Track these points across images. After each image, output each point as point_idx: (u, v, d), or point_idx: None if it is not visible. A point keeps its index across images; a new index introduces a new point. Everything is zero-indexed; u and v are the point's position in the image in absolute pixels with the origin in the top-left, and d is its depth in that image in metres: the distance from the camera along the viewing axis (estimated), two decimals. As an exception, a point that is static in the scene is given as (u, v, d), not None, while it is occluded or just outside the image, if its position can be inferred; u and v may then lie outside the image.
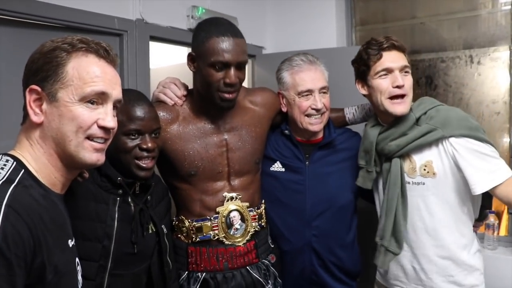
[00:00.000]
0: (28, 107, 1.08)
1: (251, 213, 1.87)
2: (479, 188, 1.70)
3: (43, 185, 1.08)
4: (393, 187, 1.82)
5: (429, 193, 1.81)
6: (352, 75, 1.98)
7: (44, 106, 1.08)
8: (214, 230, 1.81)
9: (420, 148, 1.80)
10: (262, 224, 1.93)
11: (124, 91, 1.65)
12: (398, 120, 1.83)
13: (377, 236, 1.88)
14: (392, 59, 1.80)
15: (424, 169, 1.80)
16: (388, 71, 1.80)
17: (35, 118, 1.08)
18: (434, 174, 1.79)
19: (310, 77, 1.96)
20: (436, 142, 1.78)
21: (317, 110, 1.95)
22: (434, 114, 1.80)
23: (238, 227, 1.84)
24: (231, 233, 1.83)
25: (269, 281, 1.88)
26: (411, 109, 1.83)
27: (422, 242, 1.84)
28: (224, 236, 1.82)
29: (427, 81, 3.12)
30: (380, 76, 1.81)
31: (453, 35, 3.05)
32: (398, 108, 1.79)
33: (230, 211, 1.82)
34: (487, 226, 2.74)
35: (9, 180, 0.99)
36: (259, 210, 1.92)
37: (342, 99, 2.25)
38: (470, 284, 1.84)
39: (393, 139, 1.83)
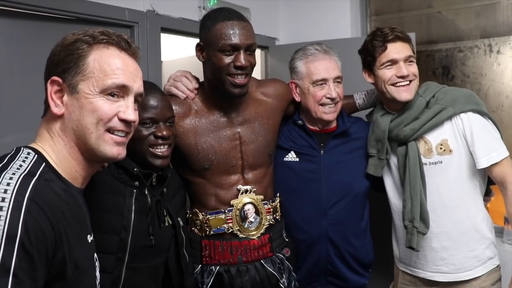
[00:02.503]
0: (49, 99, 1.07)
1: (265, 206, 1.86)
2: (480, 163, 1.83)
3: (64, 179, 1.07)
4: (414, 170, 1.88)
5: (447, 171, 1.89)
6: None
7: (65, 98, 1.07)
8: (228, 223, 1.80)
9: (434, 128, 1.89)
10: (277, 217, 1.91)
11: None
12: (409, 105, 1.91)
13: (405, 219, 1.90)
14: (397, 50, 1.87)
15: (441, 148, 1.89)
16: (393, 62, 1.87)
17: (55, 109, 1.07)
18: (450, 151, 1.88)
19: (325, 66, 1.96)
20: (448, 120, 1.88)
21: (332, 99, 1.96)
22: (443, 96, 1.91)
23: (253, 220, 1.82)
24: (245, 226, 1.81)
25: (284, 275, 1.86)
26: (420, 94, 1.93)
27: (442, 220, 1.91)
28: (238, 229, 1.80)
29: (444, 71, 3.05)
30: (385, 66, 1.88)
31: (471, 24, 2.98)
32: (403, 94, 1.87)
33: (245, 204, 1.81)
34: (506, 220, 2.68)
35: (30, 173, 0.98)
36: (273, 203, 1.90)
37: (358, 89, 2.23)
38: (487, 257, 1.93)
39: (407, 124, 1.90)
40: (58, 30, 1.88)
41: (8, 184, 0.92)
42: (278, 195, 1.96)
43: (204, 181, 1.81)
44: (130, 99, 1.12)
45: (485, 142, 1.83)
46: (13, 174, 0.95)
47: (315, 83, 1.96)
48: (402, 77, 1.85)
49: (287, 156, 2.03)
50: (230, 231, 1.80)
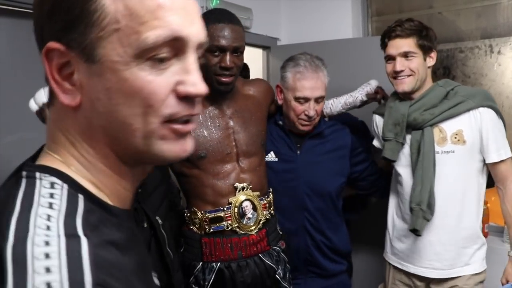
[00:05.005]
0: (51, 81, 0.62)
1: (261, 202, 1.92)
2: (491, 157, 1.93)
3: (111, 208, 0.67)
4: (428, 154, 1.94)
5: (458, 161, 1.95)
6: (368, 65, 2.04)
7: (77, 75, 0.61)
8: (227, 220, 1.85)
9: (451, 117, 1.96)
10: (271, 212, 1.98)
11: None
12: (428, 92, 1.99)
13: (413, 202, 1.95)
14: (395, 47, 1.97)
15: (455, 137, 1.95)
16: (391, 57, 1.98)
17: (65, 99, 0.62)
18: (464, 142, 1.94)
19: (310, 85, 2.02)
20: (466, 112, 1.94)
21: (309, 117, 2.03)
22: (462, 90, 1.99)
23: (251, 216, 1.87)
24: (244, 222, 1.86)
25: (280, 266, 1.93)
26: (440, 85, 2.01)
27: (444, 212, 1.96)
28: (237, 226, 1.85)
29: (445, 72, 3.06)
30: (387, 61, 2.02)
31: (471, 24, 2.99)
32: (400, 86, 1.97)
33: (242, 201, 1.86)
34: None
35: (72, 231, 0.56)
36: (268, 199, 1.97)
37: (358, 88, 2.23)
38: (480, 257, 2.01)
39: (426, 109, 1.98)
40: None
41: (49, 271, 0.51)
42: (270, 190, 2.02)
43: (200, 171, 1.86)
44: (191, 58, 0.65)
45: (497, 138, 1.93)
46: (47, 244, 0.53)
47: (297, 99, 2.03)
48: (396, 72, 1.96)
49: (267, 156, 2.12)
50: (229, 228, 1.85)
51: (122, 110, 0.61)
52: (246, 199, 1.87)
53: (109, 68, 0.60)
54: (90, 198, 0.63)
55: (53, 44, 0.60)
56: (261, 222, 1.90)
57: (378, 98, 2.26)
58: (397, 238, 2.11)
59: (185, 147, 0.67)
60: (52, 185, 0.61)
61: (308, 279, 2.18)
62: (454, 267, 1.97)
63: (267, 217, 1.93)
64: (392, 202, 2.17)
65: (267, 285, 1.90)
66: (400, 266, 2.10)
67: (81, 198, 0.62)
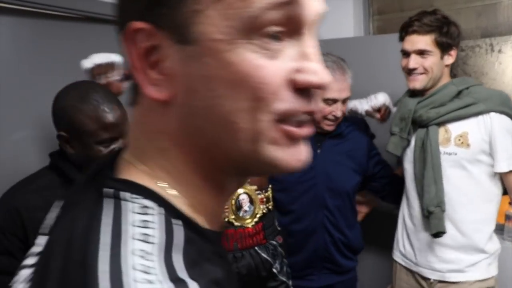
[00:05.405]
0: (135, 71, 0.50)
1: (259, 196, 1.96)
2: (499, 167, 1.83)
3: (207, 234, 0.53)
4: (436, 155, 1.89)
5: (459, 164, 1.89)
6: (369, 64, 2.04)
7: (167, 62, 0.49)
8: (224, 212, 1.88)
9: (458, 119, 1.89)
10: (269, 207, 2.02)
11: (83, 86, 1.39)
12: (438, 90, 1.92)
13: (431, 205, 1.87)
14: (411, 43, 1.90)
15: (459, 140, 1.88)
16: (406, 53, 1.93)
17: (152, 91, 0.50)
18: (468, 145, 1.87)
19: (338, 88, 2.04)
20: (475, 115, 1.86)
21: (336, 118, 2.08)
22: (477, 90, 1.90)
23: (247, 209, 1.92)
24: (241, 214, 1.91)
25: (276, 260, 1.97)
26: (453, 83, 1.92)
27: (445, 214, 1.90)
28: (234, 218, 1.90)
29: (446, 70, 3.07)
30: (403, 55, 1.96)
31: (472, 23, 3.00)
32: (412, 83, 1.93)
33: (239, 194, 1.91)
34: (507, 217, 2.70)
35: (176, 273, 0.43)
36: (266, 194, 2.01)
37: (360, 89, 2.26)
38: (485, 264, 1.93)
39: (434, 107, 1.92)
40: (66, 29, 1.92)
41: None
42: (270, 186, 2.06)
43: None
44: (309, 39, 0.51)
45: (509, 147, 1.82)
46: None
47: (325, 100, 2.04)
48: (409, 69, 1.90)
49: None
50: (226, 220, 1.90)
51: (225, 104, 0.47)
52: (243, 192, 1.92)
53: (208, 49, 0.46)
54: (188, 224, 0.50)
55: (137, 24, 0.47)
56: (257, 216, 1.94)
57: (377, 117, 2.26)
58: (403, 235, 2.11)
59: (300, 155, 0.52)
60: (144, 209, 0.47)
61: (322, 275, 2.23)
62: (455, 272, 1.92)
63: (264, 211, 1.97)
64: (404, 200, 2.14)
65: (263, 276, 1.93)
66: (404, 264, 2.10)
67: (179, 225, 0.49)
